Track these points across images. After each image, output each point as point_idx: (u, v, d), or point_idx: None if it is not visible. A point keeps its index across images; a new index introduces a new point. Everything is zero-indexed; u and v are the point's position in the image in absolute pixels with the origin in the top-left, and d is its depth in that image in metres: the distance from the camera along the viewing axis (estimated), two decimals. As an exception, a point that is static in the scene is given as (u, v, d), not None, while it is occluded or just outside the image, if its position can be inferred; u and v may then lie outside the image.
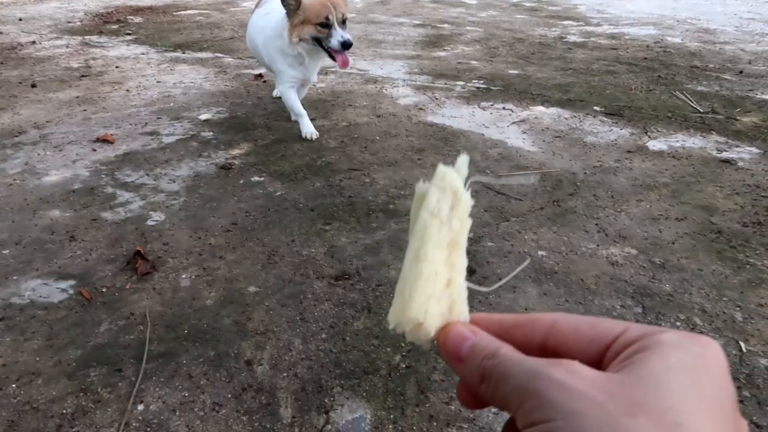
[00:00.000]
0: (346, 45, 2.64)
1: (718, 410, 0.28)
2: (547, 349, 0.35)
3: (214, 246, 2.01)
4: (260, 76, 4.03)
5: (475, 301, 1.71)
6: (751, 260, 1.96)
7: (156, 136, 2.97)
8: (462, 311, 0.40)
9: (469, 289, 0.41)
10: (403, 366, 1.48)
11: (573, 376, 0.29)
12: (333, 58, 2.72)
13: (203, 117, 3.26)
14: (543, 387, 0.30)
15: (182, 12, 6.58)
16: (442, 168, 0.39)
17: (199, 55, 4.69)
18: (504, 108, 3.47)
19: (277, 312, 1.68)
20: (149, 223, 2.15)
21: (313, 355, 1.52)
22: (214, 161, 2.69)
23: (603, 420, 0.27)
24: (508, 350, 0.34)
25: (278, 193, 2.39)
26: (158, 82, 3.91)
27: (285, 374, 1.46)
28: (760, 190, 2.45)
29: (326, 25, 2.64)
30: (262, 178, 2.52)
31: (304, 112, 2.98)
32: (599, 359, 0.33)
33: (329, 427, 1.32)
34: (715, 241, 2.07)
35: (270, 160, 2.72)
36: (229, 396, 1.39)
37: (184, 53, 4.73)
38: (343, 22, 2.67)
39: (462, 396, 0.38)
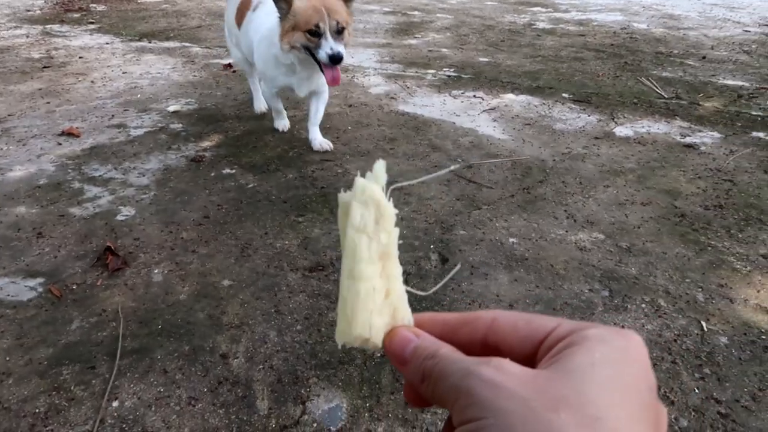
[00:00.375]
0: (334, 59, 2.27)
1: (637, 403, 0.29)
2: (489, 345, 0.37)
3: (186, 240, 1.99)
4: (229, 66, 3.97)
5: (448, 289, 1.74)
6: (712, 242, 2.03)
7: (123, 129, 2.92)
8: (405, 315, 0.41)
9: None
10: (378, 355, 1.50)
11: (502, 374, 0.30)
12: (323, 72, 2.37)
13: (172, 108, 3.20)
14: (474, 385, 0.31)
15: (147, -1, 6.42)
16: (360, 181, 0.39)
17: (166, 44, 4.60)
18: (474, 96, 3.49)
19: (252, 305, 1.69)
20: (119, 218, 2.12)
21: (289, 347, 1.53)
22: (184, 154, 2.66)
23: (528, 416, 0.28)
24: (447, 350, 0.36)
25: (250, 186, 2.38)
26: (124, 72, 3.83)
27: (261, 366, 1.47)
28: (721, 173, 2.54)
29: (316, 33, 2.28)
30: (233, 171, 2.50)
31: (282, 110, 2.92)
32: (534, 354, 0.34)
33: (306, 417, 1.33)
34: (679, 224, 2.14)
35: (241, 151, 2.70)
36: (205, 390, 1.40)
37: (150, 43, 4.63)
38: (338, 32, 2.31)
39: (408, 395, 0.40)
